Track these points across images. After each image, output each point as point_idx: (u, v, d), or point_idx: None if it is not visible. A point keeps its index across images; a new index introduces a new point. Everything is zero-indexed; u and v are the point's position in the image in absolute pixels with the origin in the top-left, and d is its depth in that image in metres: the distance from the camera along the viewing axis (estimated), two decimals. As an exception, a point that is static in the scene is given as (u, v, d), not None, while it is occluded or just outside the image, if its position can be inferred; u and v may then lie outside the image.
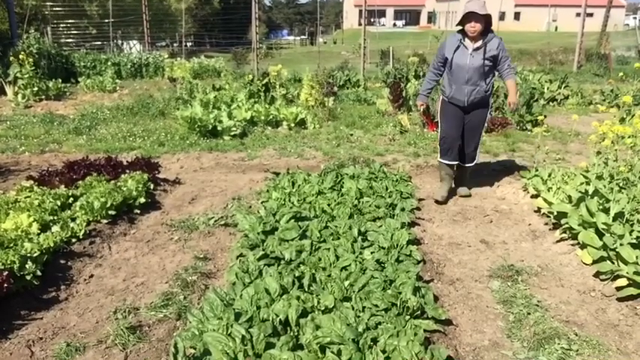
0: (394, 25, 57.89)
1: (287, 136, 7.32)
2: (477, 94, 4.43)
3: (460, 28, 4.40)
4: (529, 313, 2.87)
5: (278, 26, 63.76)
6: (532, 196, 4.59)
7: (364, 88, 11.82)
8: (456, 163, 4.69)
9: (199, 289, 3.07)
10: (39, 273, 2.97)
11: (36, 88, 9.72)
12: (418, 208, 4.41)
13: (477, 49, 4.33)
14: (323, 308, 2.54)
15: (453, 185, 4.85)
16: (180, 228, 3.99)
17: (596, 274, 3.24)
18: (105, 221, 3.89)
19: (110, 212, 3.92)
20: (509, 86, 4.59)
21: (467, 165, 4.75)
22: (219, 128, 7.08)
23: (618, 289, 3.01)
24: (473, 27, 4.24)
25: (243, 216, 3.77)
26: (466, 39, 4.36)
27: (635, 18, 41.13)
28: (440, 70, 4.59)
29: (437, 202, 4.63)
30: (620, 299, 2.99)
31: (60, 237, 3.38)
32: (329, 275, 2.91)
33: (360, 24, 19.25)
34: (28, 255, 3.00)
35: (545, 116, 6.84)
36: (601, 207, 3.44)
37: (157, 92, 10.80)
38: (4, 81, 9.80)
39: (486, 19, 4.27)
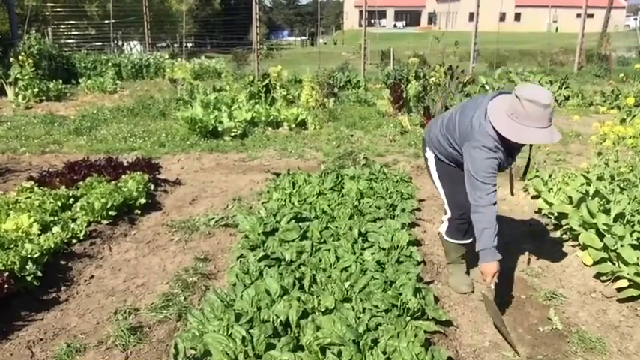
0: (395, 25, 57.88)
1: (287, 137, 7.32)
2: None
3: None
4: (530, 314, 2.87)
5: (278, 27, 63.76)
6: (532, 197, 4.59)
7: (365, 89, 11.81)
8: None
9: (200, 289, 3.07)
10: (39, 274, 2.97)
11: (36, 89, 9.71)
12: (419, 209, 4.41)
13: None
14: (323, 309, 2.54)
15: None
16: (181, 229, 3.99)
17: (597, 275, 3.24)
18: (105, 222, 3.90)
19: (111, 213, 3.93)
20: None
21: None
22: (219, 129, 7.08)
23: (619, 290, 3.01)
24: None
25: (244, 217, 3.77)
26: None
27: (635, 19, 41.05)
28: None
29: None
30: (620, 300, 2.99)
31: (60, 238, 3.38)
32: (329, 276, 2.91)
33: (360, 25, 19.26)
34: (29, 256, 3.00)
35: (545, 117, 6.84)
36: (602, 208, 3.44)
37: (158, 93, 10.81)
38: (4, 82, 9.80)
39: None
